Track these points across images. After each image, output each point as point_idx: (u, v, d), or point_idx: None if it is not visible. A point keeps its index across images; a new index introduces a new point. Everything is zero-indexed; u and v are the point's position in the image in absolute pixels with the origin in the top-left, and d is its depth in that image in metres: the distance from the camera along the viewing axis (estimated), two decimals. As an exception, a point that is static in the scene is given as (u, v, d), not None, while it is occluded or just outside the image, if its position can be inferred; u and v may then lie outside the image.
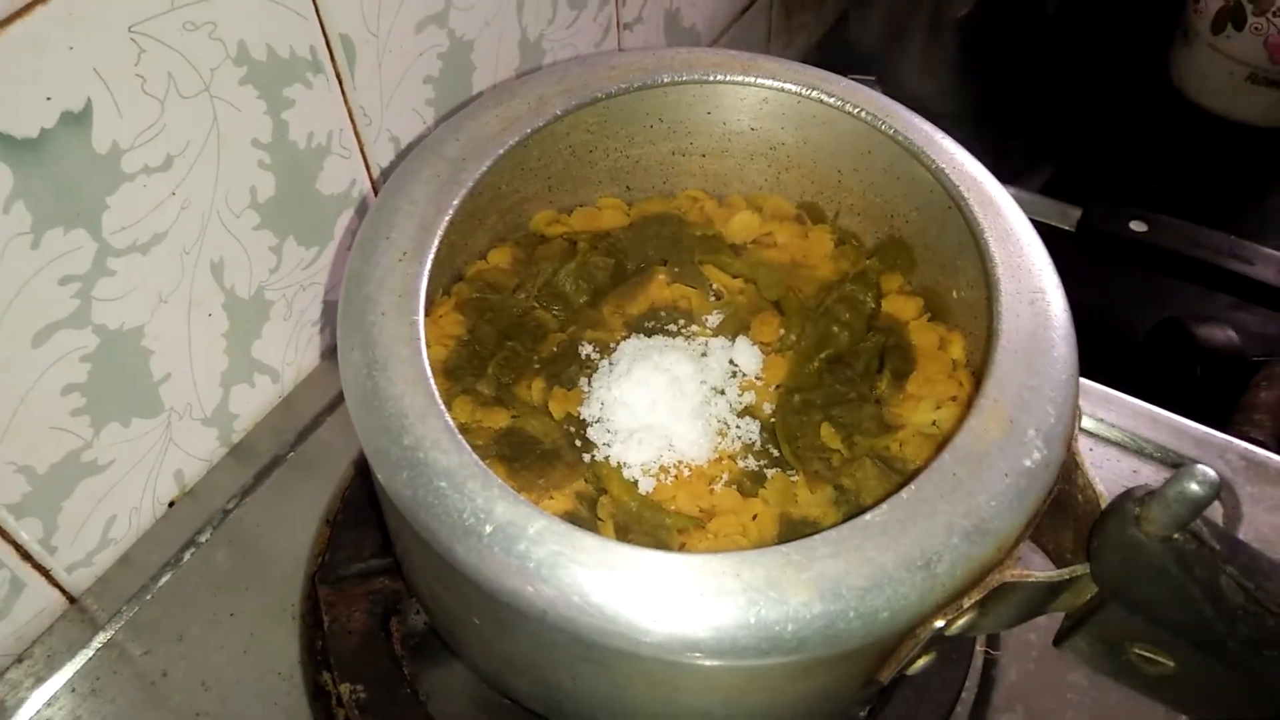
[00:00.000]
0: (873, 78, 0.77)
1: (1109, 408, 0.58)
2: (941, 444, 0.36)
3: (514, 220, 0.51)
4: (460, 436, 0.35)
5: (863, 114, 0.47)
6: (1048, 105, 0.92)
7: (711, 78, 0.49)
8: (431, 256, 0.40)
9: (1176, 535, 0.32)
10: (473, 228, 0.49)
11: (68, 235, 0.44)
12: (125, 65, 0.43)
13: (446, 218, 0.42)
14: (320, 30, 0.50)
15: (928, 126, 0.47)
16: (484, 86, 0.62)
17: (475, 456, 0.35)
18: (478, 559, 0.33)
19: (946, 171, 0.44)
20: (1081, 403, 0.57)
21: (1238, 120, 0.86)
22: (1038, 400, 0.37)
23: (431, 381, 0.37)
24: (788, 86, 0.48)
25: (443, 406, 0.36)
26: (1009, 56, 0.90)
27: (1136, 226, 0.68)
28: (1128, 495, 0.34)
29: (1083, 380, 0.58)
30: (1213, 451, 0.55)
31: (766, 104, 0.50)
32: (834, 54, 0.97)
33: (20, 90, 0.40)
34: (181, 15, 0.44)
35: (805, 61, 0.96)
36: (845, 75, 0.77)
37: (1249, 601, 0.32)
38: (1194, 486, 0.31)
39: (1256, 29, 0.80)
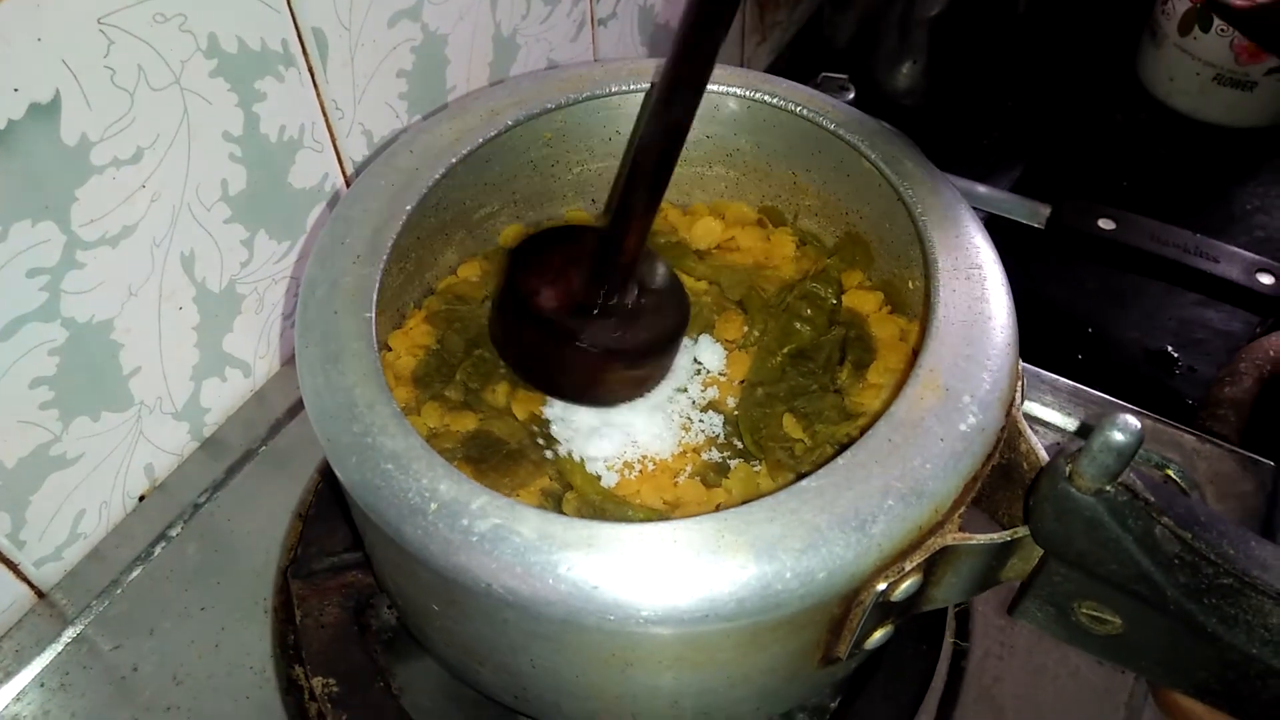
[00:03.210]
0: (844, 76, 0.78)
1: (1075, 403, 0.58)
2: (878, 415, 0.37)
3: (483, 236, 0.52)
4: (407, 422, 0.36)
5: (803, 111, 0.48)
6: (1018, 104, 0.92)
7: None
8: (385, 259, 0.42)
9: (1108, 488, 0.33)
10: (441, 244, 0.50)
11: (36, 228, 0.43)
12: (94, 57, 0.43)
13: (399, 223, 0.43)
14: (292, 23, 0.50)
15: (868, 120, 0.48)
16: (458, 80, 0.62)
17: (421, 440, 0.36)
18: (424, 536, 0.34)
19: (885, 160, 0.46)
20: (1049, 398, 0.58)
21: (1204, 120, 0.87)
22: (973, 368, 0.38)
23: (381, 373, 0.38)
24: (734, 90, 0.50)
25: (391, 395, 0.37)
26: (980, 55, 0.91)
27: (1105, 224, 0.68)
28: (1060, 452, 0.34)
29: (1049, 375, 0.59)
30: (1178, 447, 0.56)
31: (718, 111, 0.51)
32: (807, 52, 0.98)
33: (-13, 81, 0.39)
34: (151, 7, 0.44)
35: (779, 59, 0.97)
36: (819, 74, 0.78)
37: (1185, 550, 0.33)
38: (1117, 435, 0.31)
39: (1223, 31, 0.81)
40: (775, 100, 0.49)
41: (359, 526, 0.45)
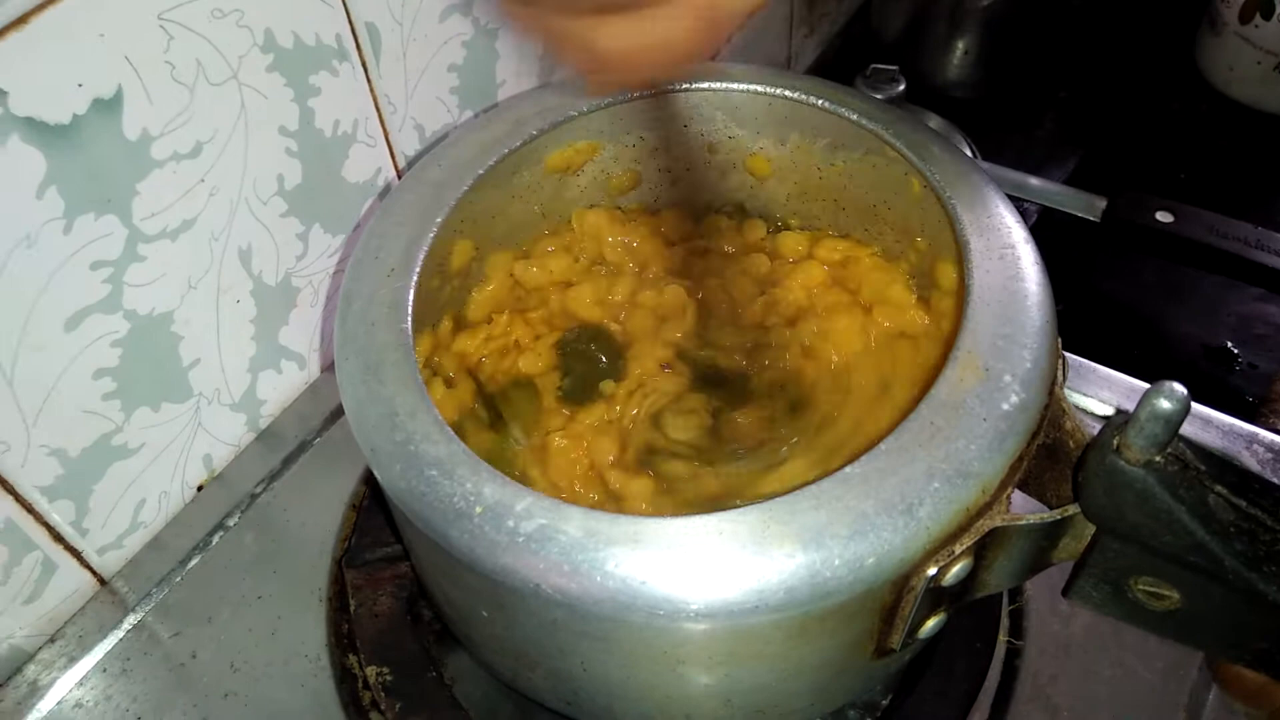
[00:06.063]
0: (894, 68, 0.77)
1: (1131, 399, 0.57)
2: (918, 398, 0.37)
3: (514, 241, 0.52)
4: (449, 429, 0.37)
5: (825, 104, 0.48)
6: (1073, 95, 0.91)
7: (676, 87, 0.50)
8: (417, 271, 0.42)
9: (1158, 458, 0.32)
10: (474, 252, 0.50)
11: (99, 221, 0.44)
12: (155, 52, 0.43)
13: (430, 235, 0.44)
14: (346, 18, 0.51)
15: (891, 109, 0.48)
16: (507, 75, 0.62)
17: (463, 445, 0.36)
18: (470, 540, 0.34)
19: (909, 146, 0.45)
20: (1104, 393, 0.57)
21: (1265, 110, 0.85)
22: (1012, 348, 0.37)
23: (421, 382, 0.38)
24: (754, 88, 0.49)
25: (431, 403, 0.37)
26: (1034, 45, 0.90)
27: (1163, 217, 0.67)
28: (1108, 425, 0.34)
29: (1109, 371, 0.58)
30: (1240, 442, 0.55)
31: (739, 110, 0.51)
32: (856, 43, 0.97)
33: (53, 77, 0.40)
34: (209, 3, 0.44)
35: (827, 51, 0.96)
36: (868, 66, 0.77)
37: (1241, 518, 0.32)
38: (1163, 403, 0.31)
39: (1285, 18, 0.79)
40: (796, 95, 0.49)
41: (403, 535, 0.46)
